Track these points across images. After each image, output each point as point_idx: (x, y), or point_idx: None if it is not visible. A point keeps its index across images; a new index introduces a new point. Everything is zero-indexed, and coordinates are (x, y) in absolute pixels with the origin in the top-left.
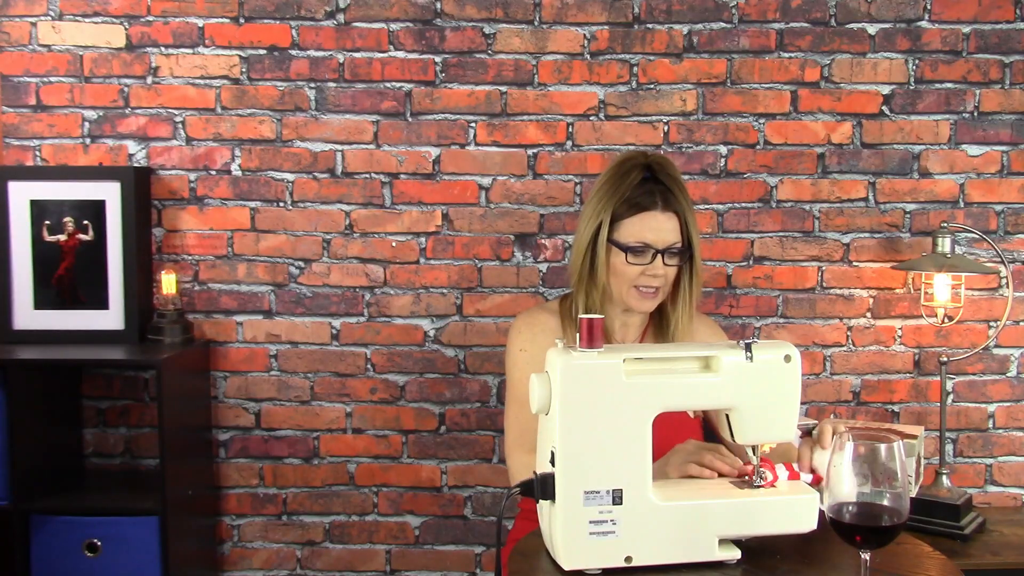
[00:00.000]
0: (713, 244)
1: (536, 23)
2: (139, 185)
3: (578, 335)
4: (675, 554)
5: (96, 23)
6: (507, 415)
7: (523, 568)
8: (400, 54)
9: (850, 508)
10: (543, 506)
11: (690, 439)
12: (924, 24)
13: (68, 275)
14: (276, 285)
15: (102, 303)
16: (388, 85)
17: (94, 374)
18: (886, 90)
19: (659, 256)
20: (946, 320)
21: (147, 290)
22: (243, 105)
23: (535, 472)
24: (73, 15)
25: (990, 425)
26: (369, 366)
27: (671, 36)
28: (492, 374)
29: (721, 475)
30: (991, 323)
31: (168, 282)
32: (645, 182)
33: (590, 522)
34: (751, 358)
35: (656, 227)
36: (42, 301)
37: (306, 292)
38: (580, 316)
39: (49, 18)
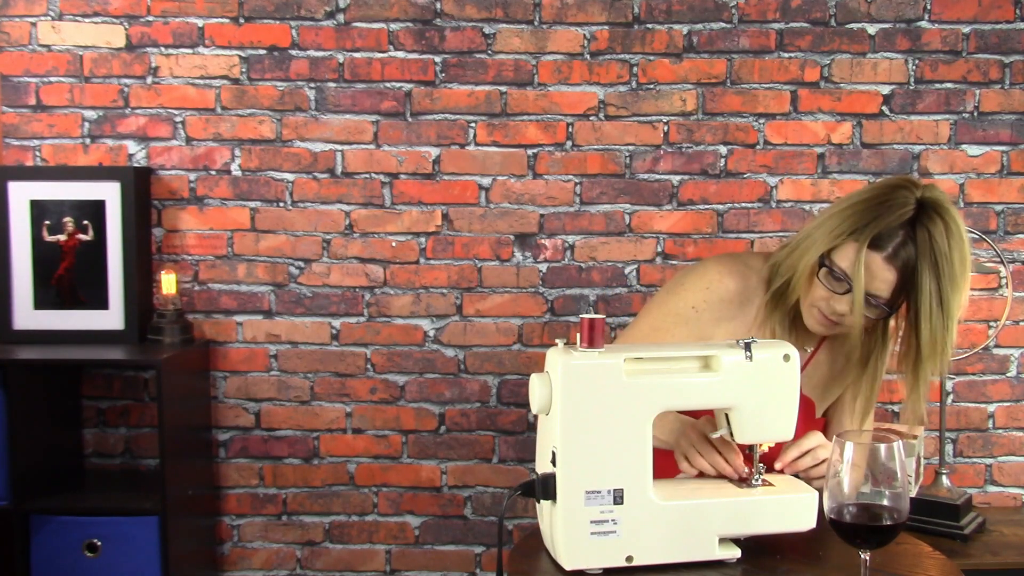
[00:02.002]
0: (713, 244)
1: (536, 23)
2: (139, 185)
3: (579, 335)
4: (676, 553)
5: (96, 23)
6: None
7: (523, 568)
8: (400, 54)
9: (850, 508)
10: (544, 506)
11: (707, 419)
12: (924, 24)
13: (68, 275)
14: (276, 285)
15: (102, 303)
16: (388, 85)
17: (94, 374)
18: (886, 90)
19: (851, 296)
20: None
21: (147, 290)
22: (243, 105)
23: (535, 472)
24: (73, 15)
25: (990, 425)
26: (369, 366)
27: (671, 36)
28: (492, 374)
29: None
30: (991, 323)
31: (168, 282)
32: (901, 218)
33: (591, 522)
34: (750, 357)
35: (870, 268)
36: (42, 301)
37: (306, 292)
38: (581, 316)
39: (49, 18)
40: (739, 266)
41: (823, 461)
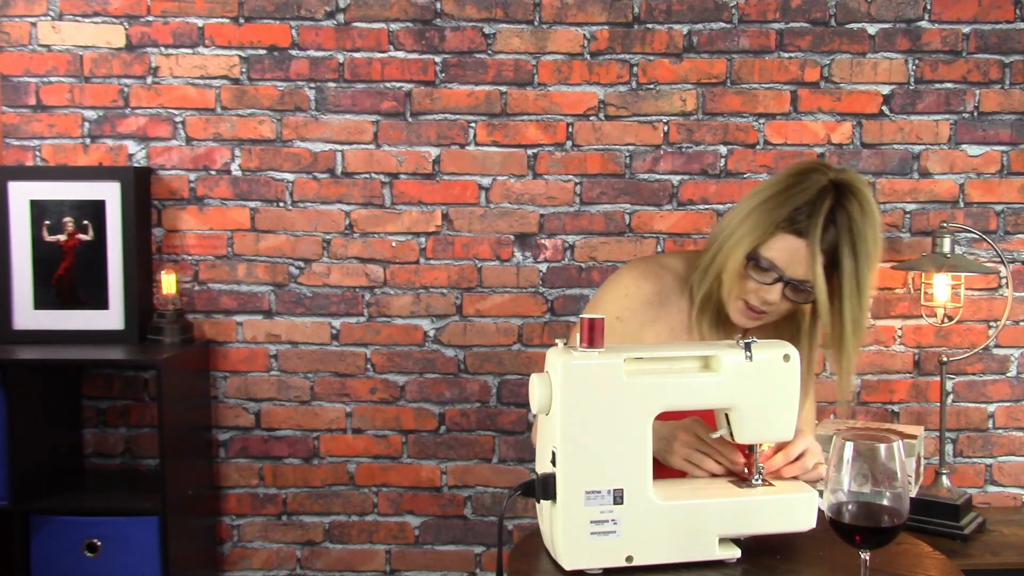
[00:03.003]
0: None
1: (536, 23)
2: (139, 185)
3: (579, 335)
4: (676, 553)
5: (96, 23)
6: None
7: (523, 568)
8: (400, 54)
9: (850, 508)
10: (543, 506)
11: (695, 420)
12: (924, 24)
13: (68, 275)
14: (276, 285)
15: (102, 303)
16: (388, 85)
17: (94, 374)
18: (886, 90)
19: (781, 284)
20: (946, 320)
21: (147, 290)
22: (243, 105)
23: (535, 472)
24: (73, 15)
25: (990, 425)
26: (369, 366)
27: (671, 36)
28: (492, 374)
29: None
30: (991, 323)
31: (168, 282)
32: (821, 202)
33: (591, 522)
34: (750, 357)
35: (797, 254)
36: (42, 301)
37: (306, 292)
38: (581, 316)
39: (49, 18)
40: (653, 267)
41: (815, 466)
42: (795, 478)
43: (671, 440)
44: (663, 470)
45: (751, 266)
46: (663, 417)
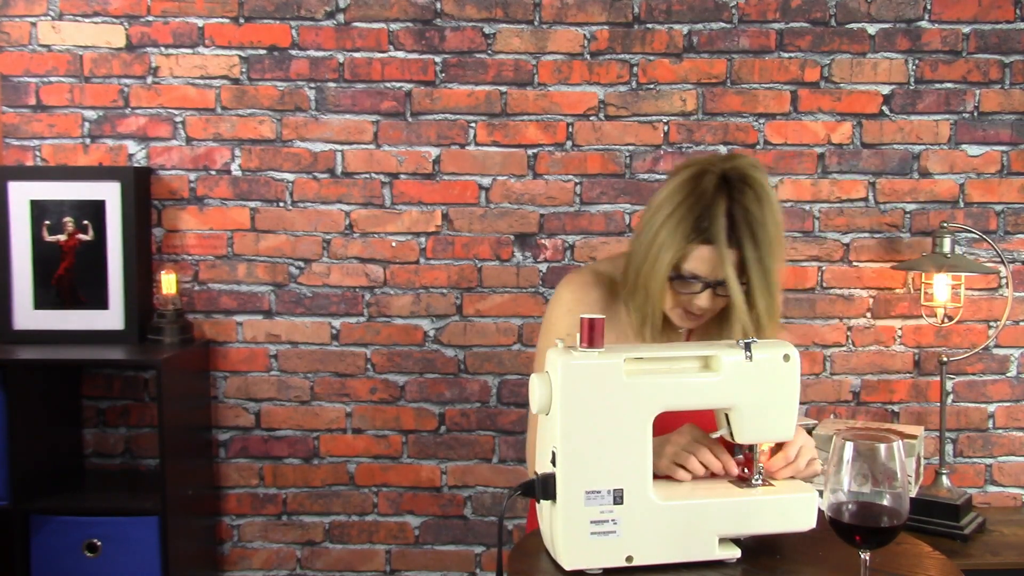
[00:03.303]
0: None
1: (536, 23)
2: (139, 185)
3: (578, 335)
4: (675, 553)
5: (96, 23)
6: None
7: (523, 568)
8: (400, 54)
9: (850, 508)
10: (543, 506)
11: (688, 426)
12: (924, 24)
13: (68, 275)
14: (276, 285)
15: (102, 303)
16: (388, 85)
17: (94, 374)
18: (886, 90)
19: (708, 289)
20: (946, 320)
21: (147, 290)
22: (243, 105)
23: (536, 472)
24: (73, 15)
25: (990, 425)
26: (369, 366)
27: (671, 36)
28: (492, 374)
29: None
30: (991, 323)
31: (168, 282)
32: (717, 205)
33: (591, 522)
34: (751, 357)
35: (713, 260)
36: (42, 301)
37: (306, 292)
38: (581, 316)
39: (49, 18)
40: (587, 277)
41: (809, 463)
42: (792, 477)
43: (663, 445)
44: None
45: (676, 282)
46: (663, 417)
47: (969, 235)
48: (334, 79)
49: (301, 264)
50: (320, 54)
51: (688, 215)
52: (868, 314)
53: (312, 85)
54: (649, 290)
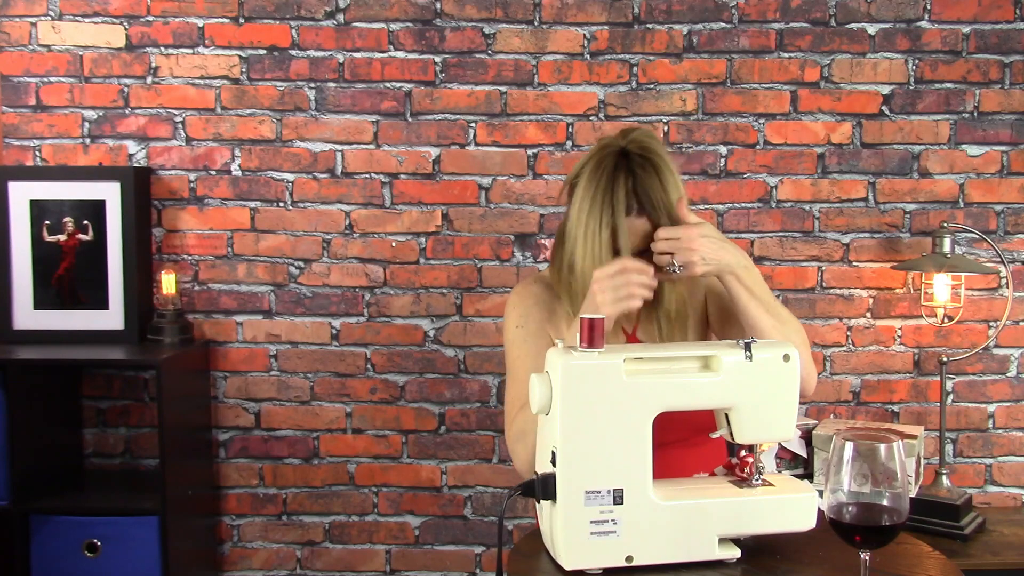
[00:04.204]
0: None
1: (536, 23)
2: (139, 185)
3: (578, 335)
4: (675, 553)
5: (96, 23)
6: (507, 393)
7: (523, 568)
8: (400, 54)
9: (850, 508)
10: (543, 506)
11: (596, 273)
12: (924, 24)
13: (68, 275)
14: (276, 285)
15: (102, 303)
16: (388, 85)
17: (94, 374)
18: (886, 90)
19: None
20: (946, 320)
21: (147, 290)
22: (243, 105)
23: (536, 472)
24: (73, 15)
25: (990, 425)
26: (369, 366)
27: (671, 36)
28: (492, 374)
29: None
30: (991, 323)
31: (168, 282)
32: (625, 179)
33: (591, 522)
34: (750, 357)
35: (632, 232)
36: (42, 301)
37: (306, 292)
38: (581, 316)
39: (49, 18)
40: (530, 280)
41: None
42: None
43: (591, 300)
44: (663, 470)
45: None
46: (663, 417)
47: (969, 235)
48: (334, 79)
49: (301, 264)
50: (320, 54)
51: (603, 197)
52: (868, 314)
53: (312, 85)
54: (590, 277)
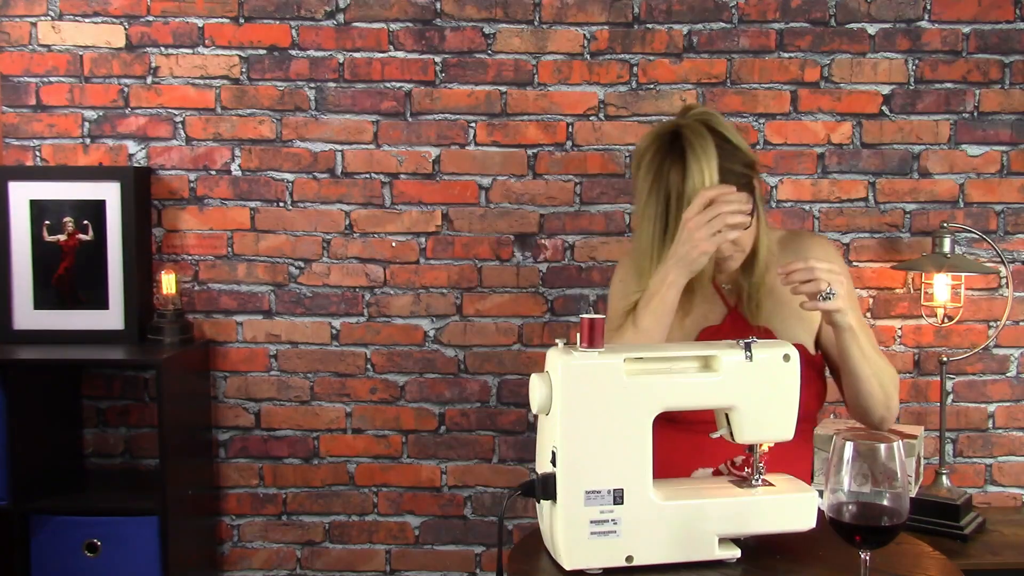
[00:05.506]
0: None
1: (536, 23)
2: (139, 185)
3: (579, 335)
4: (675, 553)
5: (96, 23)
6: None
7: (523, 568)
8: (400, 54)
9: (850, 508)
10: (543, 506)
11: (681, 226)
12: (924, 24)
13: (68, 275)
14: (276, 285)
15: (102, 303)
16: (388, 85)
17: (94, 374)
18: (886, 90)
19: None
20: (946, 320)
21: (147, 290)
22: (243, 105)
23: (535, 472)
24: (73, 15)
25: (990, 425)
26: (369, 366)
27: (671, 36)
28: (492, 374)
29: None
30: (991, 323)
31: (168, 282)
32: (673, 159)
33: (591, 522)
34: (750, 357)
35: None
36: (42, 301)
37: (306, 292)
38: (581, 316)
39: (49, 18)
40: (626, 259)
41: (815, 272)
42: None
43: (683, 243)
44: (663, 470)
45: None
46: (663, 418)
47: (969, 235)
48: (334, 79)
49: (301, 264)
50: (320, 54)
51: (666, 180)
52: (868, 314)
53: (312, 85)
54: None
